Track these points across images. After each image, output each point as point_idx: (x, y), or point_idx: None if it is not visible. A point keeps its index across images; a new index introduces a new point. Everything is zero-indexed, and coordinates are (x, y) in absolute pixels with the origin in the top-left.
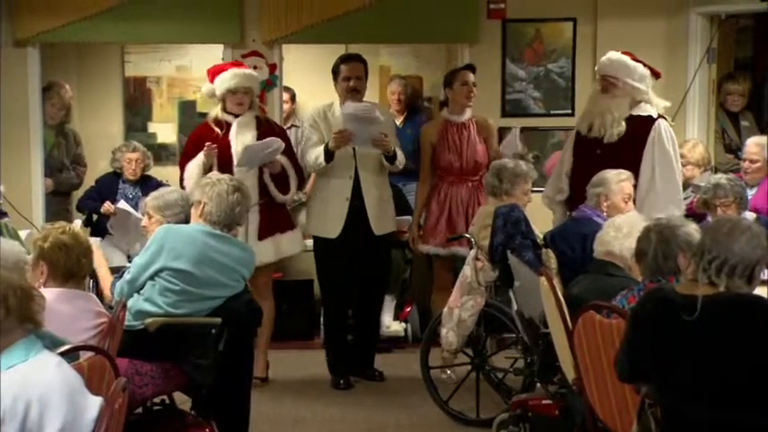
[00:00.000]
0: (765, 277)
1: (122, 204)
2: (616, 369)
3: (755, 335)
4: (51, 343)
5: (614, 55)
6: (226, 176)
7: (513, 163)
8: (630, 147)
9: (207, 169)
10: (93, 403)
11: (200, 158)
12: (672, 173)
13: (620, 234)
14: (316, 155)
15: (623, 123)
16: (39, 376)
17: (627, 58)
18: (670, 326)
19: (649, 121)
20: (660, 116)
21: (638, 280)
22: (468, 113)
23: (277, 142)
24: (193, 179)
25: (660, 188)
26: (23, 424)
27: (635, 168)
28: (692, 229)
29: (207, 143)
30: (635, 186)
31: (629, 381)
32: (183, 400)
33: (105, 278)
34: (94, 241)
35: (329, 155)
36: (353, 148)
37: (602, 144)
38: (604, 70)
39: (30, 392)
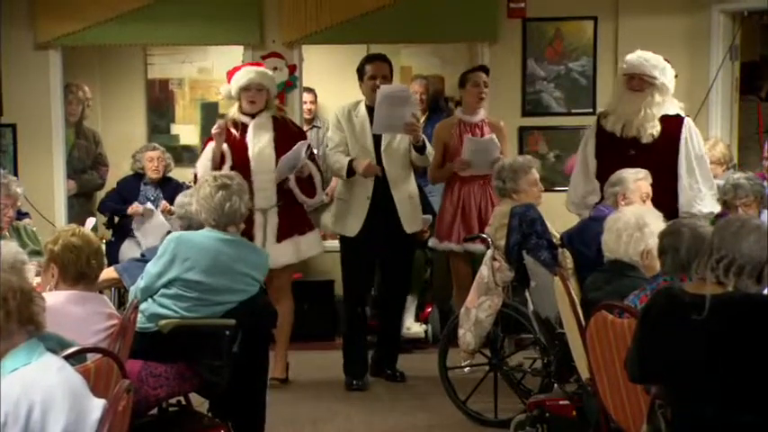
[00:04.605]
0: None
1: (149, 205)
2: (626, 369)
3: (764, 335)
4: (59, 345)
5: (646, 54)
6: (210, 176)
7: (509, 159)
8: (664, 145)
9: (218, 156)
10: (96, 406)
11: (210, 147)
12: (708, 170)
13: (620, 241)
14: (339, 165)
15: (658, 123)
16: (41, 379)
17: (660, 57)
18: (679, 325)
19: (678, 119)
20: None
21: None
22: (481, 114)
23: (303, 145)
24: (203, 168)
25: (703, 185)
26: (26, 427)
27: (671, 166)
28: (709, 229)
29: (214, 130)
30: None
31: (640, 381)
32: (199, 402)
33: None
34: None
35: (351, 172)
36: (376, 148)
37: (637, 144)
38: (640, 69)
39: (32, 395)
